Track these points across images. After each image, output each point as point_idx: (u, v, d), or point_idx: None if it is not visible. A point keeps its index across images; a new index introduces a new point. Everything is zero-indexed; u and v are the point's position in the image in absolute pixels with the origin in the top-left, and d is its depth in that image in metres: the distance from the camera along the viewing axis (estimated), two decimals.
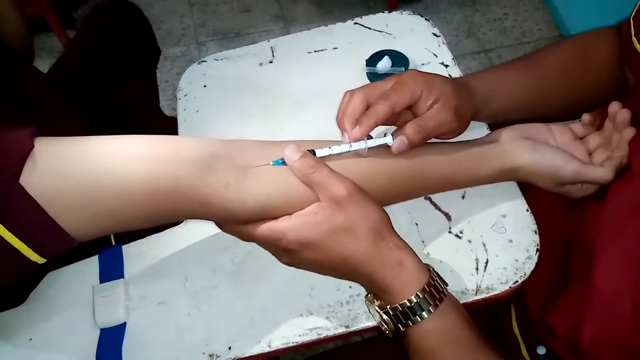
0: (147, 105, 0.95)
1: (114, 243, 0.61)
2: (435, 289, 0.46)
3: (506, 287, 0.53)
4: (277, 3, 1.99)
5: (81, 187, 0.39)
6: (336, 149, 0.49)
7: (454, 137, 0.54)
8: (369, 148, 0.50)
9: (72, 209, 0.39)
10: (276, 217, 0.47)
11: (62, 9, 1.83)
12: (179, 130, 0.69)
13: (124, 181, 0.40)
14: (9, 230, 0.36)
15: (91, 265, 0.58)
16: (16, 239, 0.37)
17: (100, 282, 0.56)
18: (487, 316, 0.69)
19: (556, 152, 0.54)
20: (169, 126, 0.95)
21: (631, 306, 0.45)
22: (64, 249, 0.40)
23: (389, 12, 0.78)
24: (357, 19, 0.77)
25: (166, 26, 1.93)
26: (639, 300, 0.44)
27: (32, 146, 0.38)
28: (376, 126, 0.50)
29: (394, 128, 0.52)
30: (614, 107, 0.54)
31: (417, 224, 0.58)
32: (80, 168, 0.39)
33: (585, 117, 0.57)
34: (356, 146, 0.49)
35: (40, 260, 0.39)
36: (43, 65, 1.60)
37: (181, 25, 1.94)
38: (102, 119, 0.85)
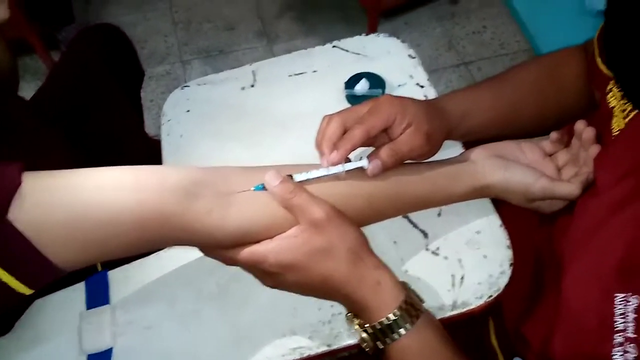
0: (132, 128, 0.96)
1: (100, 269, 0.62)
2: (412, 306, 0.48)
3: (481, 302, 0.55)
4: (260, 21, 2.02)
5: (69, 219, 0.40)
6: (315, 173, 0.51)
7: (427, 159, 0.57)
8: (346, 171, 0.52)
9: (60, 241, 0.40)
10: (258, 241, 0.48)
11: (45, 30, 1.85)
12: (163, 155, 0.70)
13: (111, 212, 0.42)
14: None
15: (77, 291, 0.59)
16: (3, 271, 0.38)
17: (87, 309, 0.57)
18: (467, 329, 0.70)
19: (526, 169, 0.56)
20: (153, 148, 0.97)
21: (597, 318, 0.46)
22: (51, 279, 0.41)
23: (367, 34, 0.81)
24: (336, 42, 0.79)
25: (150, 45, 1.95)
26: (604, 312, 0.46)
27: (20, 182, 0.39)
28: (353, 150, 0.52)
29: (371, 149, 0.55)
30: (580, 125, 0.57)
31: (395, 242, 0.60)
32: (68, 201, 0.41)
33: (553, 135, 0.59)
34: (334, 170, 0.51)
35: (27, 291, 0.40)
36: (27, 87, 1.62)
37: (165, 45, 1.95)
38: (87, 144, 0.86)
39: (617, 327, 0.44)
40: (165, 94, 1.81)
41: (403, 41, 0.78)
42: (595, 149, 0.55)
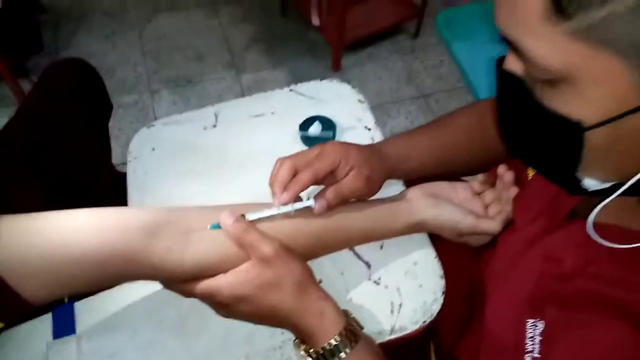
0: (100, 162, 1.00)
1: (66, 301, 0.66)
2: (351, 332, 0.54)
3: (417, 327, 0.61)
4: (228, 52, 2.09)
5: (39, 259, 0.45)
6: (267, 212, 0.57)
7: (368, 198, 0.63)
8: (295, 210, 0.58)
9: (31, 279, 0.44)
10: (213, 275, 0.54)
11: (13, 59, 1.86)
12: (129, 191, 0.75)
13: (77, 252, 0.46)
14: None
15: (44, 322, 0.62)
16: None
17: (54, 338, 0.61)
18: (410, 351, 0.76)
19: (455, 208, 0.63)
20: (120, 182, 1.01)
21: (513, 341, 0.53)
22: (22, 313, 0.46)
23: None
24: (293, 87, 0.86)
25: (120, 74, 1.99)
26: (518, 335, 0.53)
27: None
28: (302, 191, 0.58)
29: (321, 187, 0.61)
30: (501, 169, 0.64)
31: (342, 273, 0.66)
32: (38, 243, 0.45)
33: (480, 176, 0.67)
34: (284, 209, 0.57)
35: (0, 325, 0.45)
36: None
37: (134, 74, 2.00)
38: (55, 179, 0.89)
39: (527, 348, 0.51)
40: (134, 123, 1.86)
41: (353, 87, 0.85)
42: (514, 191, 0.63)
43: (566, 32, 0.32)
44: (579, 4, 0.31)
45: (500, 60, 0.43)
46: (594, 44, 0.32)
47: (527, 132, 0.43)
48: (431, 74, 2.06)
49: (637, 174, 0.37)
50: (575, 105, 0.36)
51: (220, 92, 1.94)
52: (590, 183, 0.41)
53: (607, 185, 0.41)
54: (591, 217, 0.44)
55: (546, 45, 0.34)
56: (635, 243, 0.43)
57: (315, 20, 1.91)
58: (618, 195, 0.41)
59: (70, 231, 0.47)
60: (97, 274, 0.48)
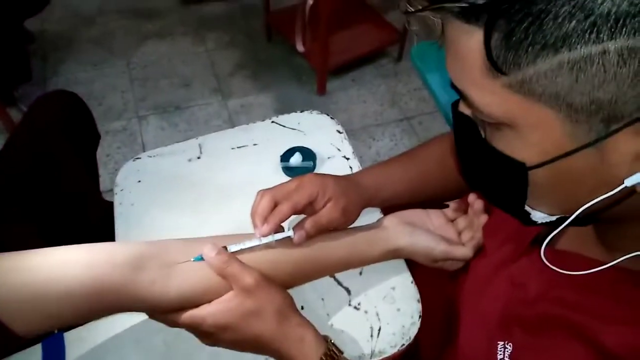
0: (88, 193, 1.02)
1: (55, 331, 0.68)
2: (331, 357, 0.56)
3: (395, 350, 0.64)
4: (215, 78, 2.13)
5: (30, 295, 0.47)
6: (248, 244, 0.60)
7: (345, 227, 0.66)
8: (276, 240, 0.61)
9: (23, 313, 0.47)
10: (197, 306, 0.56)
11: (2, 87, 1.89)
12: (116, 223, 0.77)
13: (66, 288, 0.49)
14: None
15: (34, 353, 0.64)
16: None
17: None
18: None
19: (429, 235, 0.66)
20: (107, 210, 1.03)
21: (484, 358, 0.56)
22: (14, 347, 0.48)
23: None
24: (274, 118, 0.90)
25: (108, 101, 2.01)
26: (489, 357, 0.55)
27: None
28: (281, 222, 0.61)
29: (301, 217, 0.64)
30: (472, 197, 0.68)
31: (323, 299, 0.68)
32: (29, 280, 0.47)
33: (452, 204, 0.70)
34: (265, 240, 0.60)
35: None
36: None
37: (122, 100, 2.02)
38: (44, 211, 0.91)
39: None
40: (122, 149, 1.88)
41: (332, 117, 0.89)
42: (483, 218, 0.66)
43: (504, 85, 0.36)
44: (513, 62, 0.35)
45: (456, 103, 0.46)
46: (527, 96, 0.36)
47: (480, 168, 0.46)
48: (414, 97, 2.11)
49: (578, 208, 0.40)
50: (517, 147, 0.40)
51: (207, 118, 1.97)
52: (538, 215, 0.45)
53: (554, 218, 0.44)
54: (543, 246, 0.47)
55: (488, 95, 0.38)
56: (590, 269, 0.46)
57: (300, 46, 1.96)
58: (571, 225, 0.45)
59: (60, 267, 0.50)
60: (86, 308, 0.51)
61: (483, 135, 0.44)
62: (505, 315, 0.56)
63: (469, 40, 0.36)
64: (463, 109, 0.45)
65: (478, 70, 0.37)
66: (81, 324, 0.66)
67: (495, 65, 0.35)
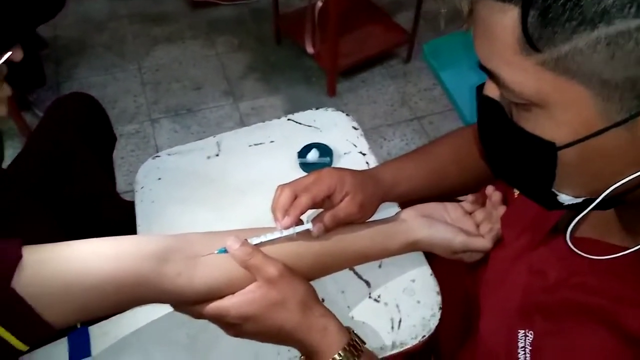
0: (106, 193, 1.04)
1: (79, 325, 0.69)
2: (354, 347, 0.57)
3: (416, 342, 0.64)
4: (226, 80, 2.15)
5: (61, 286, 0.48)
6: (269, 236, 0.60)
7: (362, 221, 0.67)
8: (296, 233, 0.61)
9: (54, 304, 0.48)
10: (221, 297, 0.57)
11: (17, 92, 1.92)
12: (137, 220, 0.78)
13: (95, 279, 0.50)
14: (2, 326, 0.45)
15: (60, 346, 0.65)
16: (7, 332, 0.45)
17: None
18: None
19: (447, 227, 0.67)
20: (125, 210, 1.05)
21: (505, 351, 0.56)
22: (45, 337, 0.49)
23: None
24: (290, 116, 0.91)
25: (120, 105, 2.03)
26: (510, 345, 0.56)
27: (21, 255, 0.47)
28: (302, 215, 0.62)
29: (319, 211, 0.65)
30: (489, 189, 0.68)
31: (343, 292, 0.69)
32: (60, 271, 0.49)
33: (470, 197, 0.71)
34: (286, 232, 0.61)
35: (24, 348, 0.48)
36: None
37: (135, 104, 2.05)
38: (64, 210, 0.93)
39: (519, 357, 0.54)
40: (135, 152, 1.91)
41: (347, 114, 0.90)
42: (502, 209, 0.66)
43: (537, 63, 0.37)
44: (547, 39, 0.35)
45: (480, 87, 0.47)
46: (561, 74, 0.36)
47: (506, 152, 0.47)
48: (424, 97, 2.12)
49: (606, 189, 0.41)
50: (547, 127, 0.40)
51: (219, 120, 1.99)
52: (565, 198, 0.45)
53: (580, 200, 0.44)
54: (569, 229, 0.47)
55: (520, 74, 0.38)
56: (612, 255, 0.47)
57: (309, 49, 1.98)
58: (594, 210, 0.45)
59: (89, 259, 0.51)
60: (114, 299, 0.52)
61: (510, 118, 0.44)
62: (525, 304, 0.56)
63: (503, 18, 0.37)
64: (489, 92, 0.45)
65: (510, 48, 0.37)
66: (107, 317, 0.67)
67: (531, 42, 0.36)
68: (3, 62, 0.56)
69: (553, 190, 0.45)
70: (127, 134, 1.92)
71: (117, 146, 1.25)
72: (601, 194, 0.42)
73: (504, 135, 0.45)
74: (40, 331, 0.48)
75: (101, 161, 1.12)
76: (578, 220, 0.47)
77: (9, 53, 0.51)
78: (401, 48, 2.22)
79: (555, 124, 0.40)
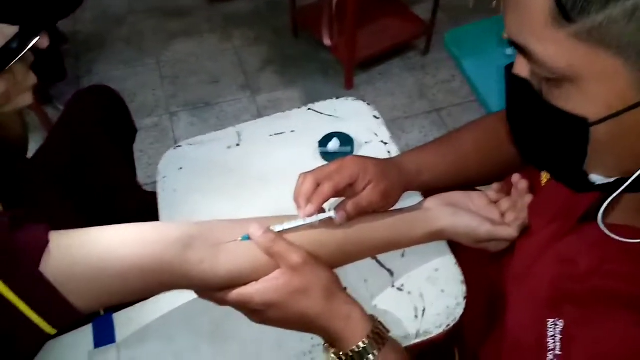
0: (127, 182, 1.05)
1: (102, 313, 0.69)
2: (378, 335, 0.56)
3: (440, 330, 0.64)
4: (243, 74, 2.15)
5: (87, 271, 0.48)
6: (292, 224, 0.60)
7: (385, 210, 0.66)
8: (319, 220, 0.61)
9: (80, 289, 0.48)
10: (245, 284, 0.57)
11: (38, 85, 1.94)
12: (159, 208, 0.79)
13: (120, 264, 0.50)
14: (31, 309, 0.45)
15: (85, 333, 0.66)
16: (36, 315, 0.46)
17: (95, 348, 0.64)
18: (437, 358, 0.79)
19: (472, 216, 0.66)
20: (146, 200, 1.05)
21: (534, 340, 0.55)
22: (72, 321, 0.49)
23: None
24: (311, 105, 0.90)
25: (139, 99, 2.05)
26: (539, 334, 0.55)
27: (48, 241, 0.47)
28: (324, 202, 0.62)
29: (341, 199, 0.64)
30: (516, 177, 0.67)
31: (366, 281, 0.68)
32: (86, 256, 0.49)
33: (495, 185, 0.70)
34: (309, 220, 0.61)
35: (52, 331, 0.48)
36: None
37: (154, 98, 2.06)
38: (86, 200, 0.94)
39: (549, 346, 0.53)
40: (154, 145, 1.92)
41: (368, 104, 0.89)
42: (528, 198, 0.65)
43: (570, 35, 0.36)
44: (581, 9, 0.34)
45: (509, 67, 0.46)
46: (594, 45, 0.35)
47: (536, 131, 0.46)
48: (442, 89, 2.09)
49: (639, 168, 0.40)
50: (579, 102, 0.39)
51: (236, 113, 1.99)
52: (596, 178, 0.44)
53: (612, 179, 0.43)
54: (601, 210, 0.46)
55: (552, 47, 0.37)
56: None
57: (327, 41, 1.97)
58: (626, 193, 0.44)
59: (115, 245, 0.51)
60: (139, 284, 0.52)
61: (540, 95, 0.43)
62: (554, 293, 0.55)
63: None
64: (519, 70, 0.44)
65: (542, 20, 0.37)
66: (131, 303, 0.67)
67: (564, 12, 0.35)
68: (29, 50, 0.56)
69: (584, 169, 0.44)
70: (146, 127, 1.94)
71: (136, 138, 1.26)
72: (634, 174, 0.40)
73: (533, 114, 0.44)
74: (67, 315, 0.48)
75: (122, 153, 1.13)
76: (610, 207, 0.46)
77: (37, 38, 0.51)
78: (419, 40, 2.20)
79: (587, 98, 0.39)
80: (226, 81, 2.12)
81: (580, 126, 0.40)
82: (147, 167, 1.80)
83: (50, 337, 0.56)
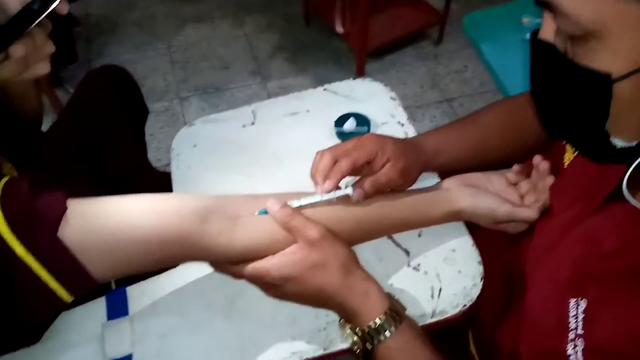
0: (140, 162, 1.04)
1: (113, 287, 0.69)
2: (395, 312, 0.56)
3: (457, 311, 0.63)
4: (254, 60, 2.14)
5: (104, 239, 0.48)
6: (309, 199, 0.59)
7: (403, 189, 0.65)
8: (336, 197, 0.60)
9: (97, 257, 0.47)
10: (261, 258, 0.56)
11: (50, 69, 1.93)
12: (174, 185, 0.78)
13: (137, 233, 0.49)
14: (50, 274, 0.45)
15: (99, 305, 0.66)
16: (54, 280, 0.45)
17: (108, 320, 0.64)
18: (449, 340, 0.78)
19: (491, 196, 0.65)
20: (158, 179, 1.05)
21: (555, 320, 0.55)
22: (89, 289, 0.49)
23: (358, 74, 0.91)
24: (327, 86, 0.89)
25: (150, 83, 2.05)
26: (561, 314, 0.54)
27: (66, 207, 0.47)
28: (342, 179, 0.61)
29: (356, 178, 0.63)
30: (537, 159, 0.66)
31: (381, 260, 0.68)
32: (103, 224, 0.48)
33: (516, 167, 0.69)
34: (327, 196, 0.60)
35: (69, 299, 0.48)
36: None
37: (164, 82, 2.06)
38: (99, 177, 0.93)
39: (570, 326, 0.53)
40: (164, 129, 1.91)
41: (386, 85, 0.88)
42: (550, 180, 0.64)
43: None
44: None
45: (535, 33, 0.46)
46: None
47: (560, 95, 0.46)
48: (455, 79, 2.08)
49: None
50: (604, 58, 0.39)
51: (247, 99, 1.98)
52: (618, 142, 0.44)
53: (634, 143, 0.43)
54: (627, 175, 0.46)
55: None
56: None
57: (339, 28, 1.95)
58: None
59: (134, 214, 0.50)
60: (156, 255, 0.51)
61: (565, 56, 0.43)
62: (577, 273, 0.54)
63: None
64: (545, 34, 0.44)
65: None
66: (145, 276, 0.67)
67: None
68: (48, 18, 0.55)
69: (606, 130, 0.44)
70: (156, 111, 1.93)
71: (147, 123, 1.25)
72: None
73: (557, 77, 0.44)
74: (84, 283, 0.47)
75: (135, 132, 1.12)
76: (637, 186, 0.45)
77: (57, 2, 0.50)
78: (432, 29, 2.18)
79: (612, 53, 0.39)
80: (237, 67, 2.11)
81: (603, 82, 0.40)
82: (156, 151, 1.80)
83: (66, 306, 0.56)
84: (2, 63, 0.53)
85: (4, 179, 0.47)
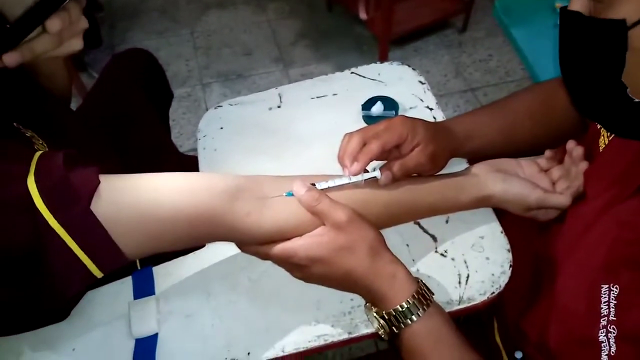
0: (165, 144, 1.05)
1: (139, 267, 0.69)
2: (422, 296, 0.55)
3: (484, 298, 0.62)
4: (276, 47, 2.13)
5: (135, 215, 0.48)
6: (337, 182, 0.59)
7: (432, 174, 0.64)
8: (364, 180, 0.59)
9: (127, 233, 0.47)
10: (288, 239, 0.56)
11: (74, 53, 1.95)
12: (200, 166, 0.78)
13: (168, 210, 0.49)
14: (81, 249, 0.45)
15: (125, 284, 0.66)
16: (85, 255, 0.45)
17: (134, 299, 0.64)
18: (474, 329, 0.77)
19: (523, 182, 0.64)
20: (184, 162, 1.05)
21: (586, 306, 0.53)
22: (118, 266, 0.49)
23: (381, 62, 0.89)
24: (353, 69, 0.88)
25: (173, 69, 2.05)
26: (592, 300, 0.53)
27: (99, 182, 0.47)
28: (370, 161, 0.60)
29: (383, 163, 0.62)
30: (571, 144, 0.64)
31: (408, 245, 0.67)
32: (134, 200, 0.48)
33: (548, 152, 0.67)
34: (354, 179, 0.59)
35: (99, 274, 0.48)
36: None
37: (187, 68, 2.06)
38: (126, 157, 0.94)
39: (602, 312, 0.51)
40: (187, 114, 1.92)
41: (414, 69, 0.87)
42: (584, 165, 0.62)
43: None
44: None
45: (564, 9, 0.47)
46: None
47: (582, 57, 0.46)
48: (479, 68, 2.04)
49: None
50: (622, 5, 0.40)
51: (269, 86, 1.94)
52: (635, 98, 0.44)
53: None
54: None
55: None
56: None
57: (363, 15, 1.93)
58: None
59: (165, 191, 0.50)
60: (186, 233, 0.51)
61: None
62: (611, 258, 0.53)
63: None
64: (573, 6, 0.45)
65: None
66: (172, 255, 0.67)
67: None
68: None
69: (622, 81, 0.43)
70: (179, 97, 1.94)
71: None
72: None
73: (580, 40, 0.45)
74: (114, 259, 0.47)
75: (160, 115, 1.13)
76: None
77: None
78: (457, 17, 2.15)
79: (627, 2, 0.39)
80: (259, 54, 2.10)
81: (618, 29, 0.40)
82: (178, 137, 1.81)
83: (94, 283, 0.56)
84: (37, 37, 0.52)
85: (38, 153, 0.47)
